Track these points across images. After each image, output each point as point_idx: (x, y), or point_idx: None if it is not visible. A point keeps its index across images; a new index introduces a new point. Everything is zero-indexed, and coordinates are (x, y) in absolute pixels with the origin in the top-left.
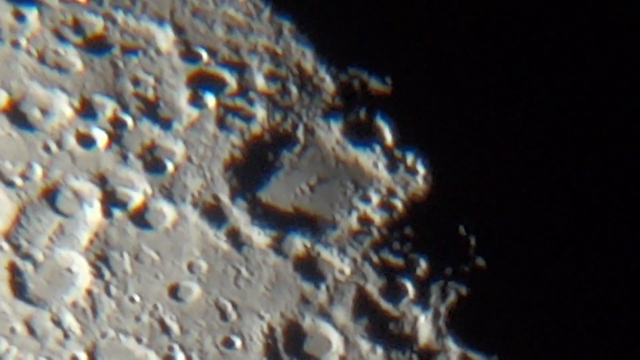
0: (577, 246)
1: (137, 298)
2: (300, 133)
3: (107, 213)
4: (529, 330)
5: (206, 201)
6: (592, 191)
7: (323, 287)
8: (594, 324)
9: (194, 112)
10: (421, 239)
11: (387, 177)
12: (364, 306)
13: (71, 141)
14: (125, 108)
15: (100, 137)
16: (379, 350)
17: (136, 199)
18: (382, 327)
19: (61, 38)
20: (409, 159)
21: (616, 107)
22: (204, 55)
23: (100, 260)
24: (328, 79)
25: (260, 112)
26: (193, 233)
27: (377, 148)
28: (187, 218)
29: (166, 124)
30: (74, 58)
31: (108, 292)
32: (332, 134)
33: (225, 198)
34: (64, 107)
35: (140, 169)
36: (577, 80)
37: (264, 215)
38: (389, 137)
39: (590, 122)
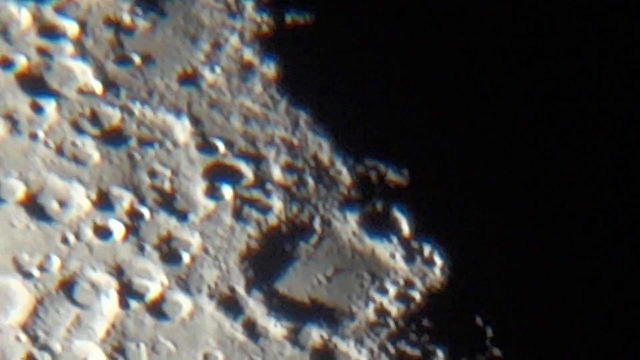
0: (596, 337)
1: None
2: (316, 224)
3: (123, 304)
4: None
5: (222, 292)
6: (620, 280)
7: None
8: None
9: (210, 204)
10: (438, 330)
11: (404, 268)
12: None
13: (88, 233)
14: (142, 200)
15: (117, 229)
16: None
17: (153, 290)
18: None
19: (79, 130)
20: (426, 250)
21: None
22: (221, 146)
23: (117, 351)
24: (345, 170)
25: (276, 203)
26: (209, 324)
27: (394, 239)
28: (203, 309)
29: (183, 216)
30: (91, 150)
31: None
32: (348, 225)
33: (241, 289)
34: (81, 199)
35: (157, 260)
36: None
37: (280, 306)
38: (405, 228)
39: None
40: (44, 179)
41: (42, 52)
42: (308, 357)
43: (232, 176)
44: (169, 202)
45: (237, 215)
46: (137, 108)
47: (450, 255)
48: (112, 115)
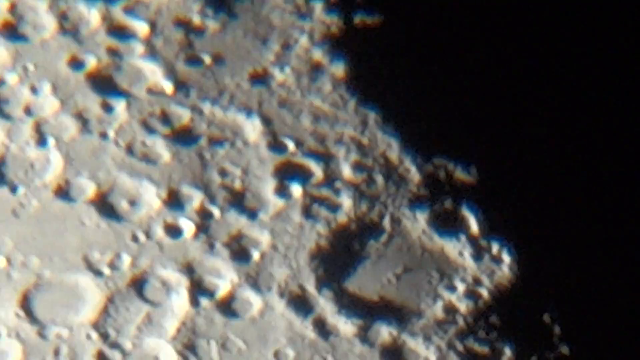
0: None
1: None
2: (386, 222)
3: (194, 302)
4: None
5: (292, 290)
6: None
7: None
8: None
9: (280, 202)
10: (506, 327)
11: (473, 265)
12: None
13: (159, 231)
14: (212, 198)
15: (188, 227)
16: None
17: (223, 288)
18: None
19: (149, 129)
20: (495, 248)
21: None
22: (291, 145)
23: (188, 349)
24: (413, 168)
25: (346, 201)
26: (279, 322)
27: (463, 237)
28: (273, 307)
29: (253, 214)
30: (161, 149)
31: None
32: (417, 223)
33: (311, 287)
34: (151, 198)
35: (227, 258)
36: None
37: (350, 304)
38: (474, 226)
39: None
40: (114, 178)
41: (112, 52)
42: (377, 354)
43: (302, 175)
44: (239, 200)
45: (307, 213)
46: (207, 108)
47: (519, 252)
48: (182, 115)
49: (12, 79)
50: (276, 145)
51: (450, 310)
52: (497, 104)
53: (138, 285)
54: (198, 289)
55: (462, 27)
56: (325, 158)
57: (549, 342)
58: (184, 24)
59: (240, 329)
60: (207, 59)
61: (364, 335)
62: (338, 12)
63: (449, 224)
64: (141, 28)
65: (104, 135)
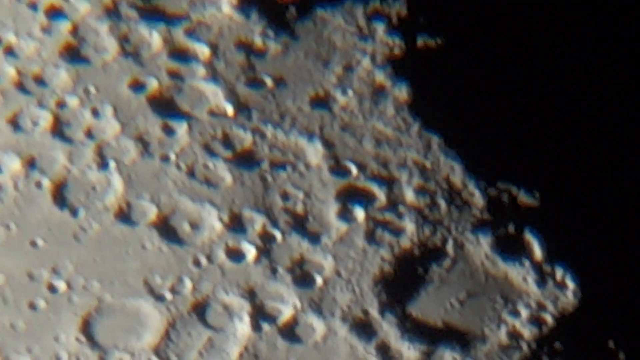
0: None
1: None
2: (449, 247)
3: (256, 327)
4: None
5: (355, 315)
6: None
7: None
8: None
9: (343, 226)
10: (570, 353)
11: (537, 291)
12: None
13: (221, 255)
14: (274, 222)
15: (250, 251)
16: None
17: (286, 313)
18: None
19: (210, 152)
20: (559, 273)
21: None
22: (353, 169)
23: None
24: (477, 193)
25: (409, 226)
26: (342, 347)
27: (527, 262)
28: (336, 332)
29: (315, 238)
30: (223, 172)
31: None
32: (481, 248)
33: (374, 312)
34: (213, 222)
35: (290, 283)
36: None
37: (413, 329)
38: (538, 251)
39: None
40: (175, 201)
41: (173, 74)
42: None
43: (365, 198)
44: (301, 224)
45: (370, 237)
46: (269, 131)
47: (583, 278)
48: (244, 138)
49: (73, 102)
50: (339, 169)
51: (514, 336)
52: (561, 129)
53: (200, 310)
54: (260, 314)
55: (525, 51)
56: (388, 182)
57: None
58: (246, 46)
59: (303, 354)
60: (269, 82)
61: None
62: (400, 34)
63: (512, 249)
64: (202, 50)
65: (165, 158)
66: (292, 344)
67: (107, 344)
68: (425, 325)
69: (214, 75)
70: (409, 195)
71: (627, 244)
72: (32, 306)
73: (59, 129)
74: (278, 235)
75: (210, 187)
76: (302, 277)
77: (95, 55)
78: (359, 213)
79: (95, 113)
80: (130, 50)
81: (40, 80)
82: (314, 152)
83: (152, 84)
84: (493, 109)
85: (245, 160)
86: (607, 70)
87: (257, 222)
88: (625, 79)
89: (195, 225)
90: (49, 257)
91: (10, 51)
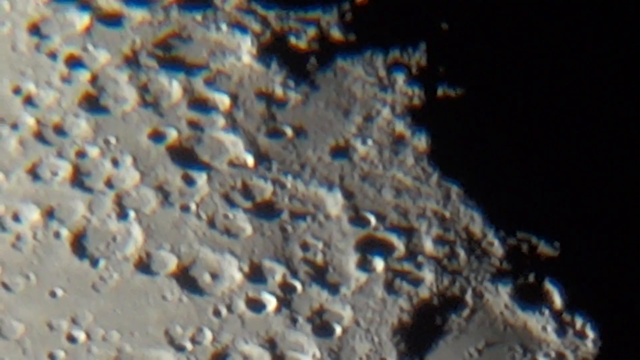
0: None
1: None
2: (468, 297)
3: None
4: None
5: None
6: None
7: None
8: None
9: (362, 277)
10: None
11: (557, 341)
12: None
13: (241, 305)
14: (294, 273)
15: (270, 302)
16: None
17: None
18: None
19: (231, 202)
20: (578, 323)
21: None
22: (373, 219)
23: None
24: (497, 242)
25: (428, 276)
26: None
27: (546, 312)
28: None
29: (335, 289)
30: (243, 223)
31: None
32: (500, 298)
33: None
34: (233, 272)
35: (310, 332)
36: None
37: None
38: (558, 301)
39: None
40: (196, 252)
41: (193, 124)
42: None
43: (384, 249)
44: (321, 274)
45: (389, 288)
46: (289, 181)
47: (603, 328)
48: (264, 188)
49: (93, 151)
50: (358, 220)
51: None
52: (581, 179)
53: None
54: None
55: (544, 102)
56: (408, 232)
57: None
58: (266, 96)
59: None
60: (289, 132)
61: None
62: (420, 83)
63: (532, 298)
64: (222, 100)
65: (185, 208)
66: None
67: None
68: None
69: (233, 126)
70: (428, 245)
71: None
72: (52, 357)
73: (78, 179)
74: (298, 285)
75: (230, 237)
76: (321, 327)
77: (115, 105)
78: (378, 263)
79: (115, 163)
80: (150, 100)
81: (60, 130)
82: (334, 203)
83: (172, 134)
84: (512, 159)
85: (265, 210)
86: (632, 121)
87: (277, 272)
88: None
89: (215, 276)
90: (69, 308)
91: (30, 101)
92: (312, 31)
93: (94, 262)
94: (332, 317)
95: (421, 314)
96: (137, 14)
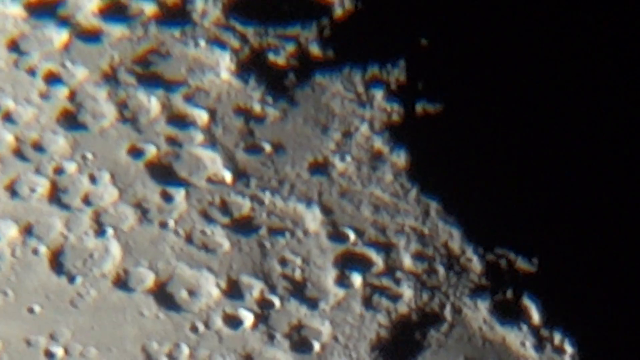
0: None
1: None
2: (447, 312)
3: None
4: None
5: None
6: None
7: None
8: None
9: (340, 292)
10: None
11: (535, 356)
12: None
13: (218, 322)
14: (272, 288)
15: (247, 318)
16: None
17: None
18: None
19: (208, 219)
20: (557, 338)
21: None
22: (351, 235)
23: None
24: (475, 258)
25: (407, 291)
26: None
27: (525, 327)
28: None
29: (313, 304)
30: (221, 239)
31: None
32: (479, 313)
33: None
34: (211, 288)
35: (287, 349)
36: None
37: None
38: (536, 316)
39: None
40: (173, 268)
41: (172, 141)
42: None
43: (363, 264)
44: (299, 290)
45: (367, 303)
46: (267, 197)
47: (581, 343)
48: (242, 204)
49: (71, 168)
50: (337, 235)
51: None
52: (558, 195)
53: None
54: None
55: (522, 118)
56: (386, 248)
57: None
58: (244, 112)
59: None
60: (268, 148)
61: None
62: (399, 100)
63: (510, 313)
64: (201, 116)
65: (163, 225)
66: None
67: None
68: None
69: (212, 142)
70: (407, 261)
71: (625, 309)
72: None
73: (56, 196)
74: (276, 301)
75: (208, 253)
76: (299, 343)
77: (93, 122)
78: (357, 279)
79: (93, 179)
80: (128, 116)
81: (38, 147)
82: (312, 218)
83: (151, 150)
84: (490, 176)
85: (243, 226)
86: (608, 135)
87: (255, 288)
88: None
89: (192, 292)
90: (47, 324)
91: (8, 117)
92: (290, 47)
93: (72, 279)
94: (311, 333)
95: (400, 330)
96: (116, 31)
